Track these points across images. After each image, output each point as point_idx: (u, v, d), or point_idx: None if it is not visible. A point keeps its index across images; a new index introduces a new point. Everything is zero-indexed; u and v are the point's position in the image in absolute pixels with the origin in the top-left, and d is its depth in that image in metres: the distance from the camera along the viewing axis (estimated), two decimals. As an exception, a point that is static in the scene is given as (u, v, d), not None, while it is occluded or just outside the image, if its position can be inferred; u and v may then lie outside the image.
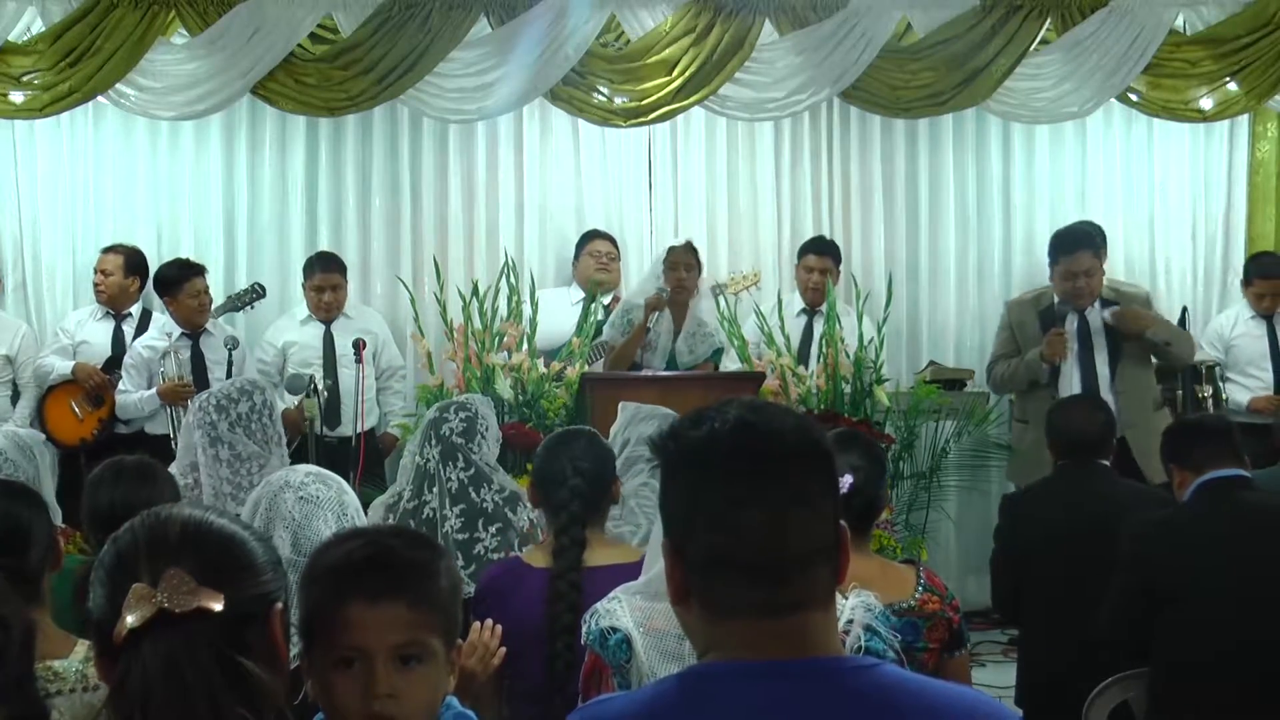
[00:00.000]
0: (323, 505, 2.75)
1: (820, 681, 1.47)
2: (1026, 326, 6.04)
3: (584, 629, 2.45)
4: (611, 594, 2.49)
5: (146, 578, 1.49)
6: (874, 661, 1.54)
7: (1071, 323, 5.92)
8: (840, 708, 1.46)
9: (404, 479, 4.08)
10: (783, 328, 6.16)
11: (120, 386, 6.31)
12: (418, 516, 3.97)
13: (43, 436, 4.12)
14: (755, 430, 1.52)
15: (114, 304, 6.61)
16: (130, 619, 1.46)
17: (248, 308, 6.75)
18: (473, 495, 3.96)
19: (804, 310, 6.73)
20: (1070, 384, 5.88)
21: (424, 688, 1.84)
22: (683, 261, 6.16)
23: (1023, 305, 6.19)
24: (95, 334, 6.60)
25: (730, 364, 6.37)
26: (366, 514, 4.15)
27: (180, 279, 6.31)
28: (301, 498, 2.75)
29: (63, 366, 6.46)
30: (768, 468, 1.50)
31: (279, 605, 1.57)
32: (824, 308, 6.51)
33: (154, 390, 6.20)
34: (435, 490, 3.98)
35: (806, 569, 1.49)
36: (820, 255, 6.81)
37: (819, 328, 6.41)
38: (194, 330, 6.36)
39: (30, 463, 3.82)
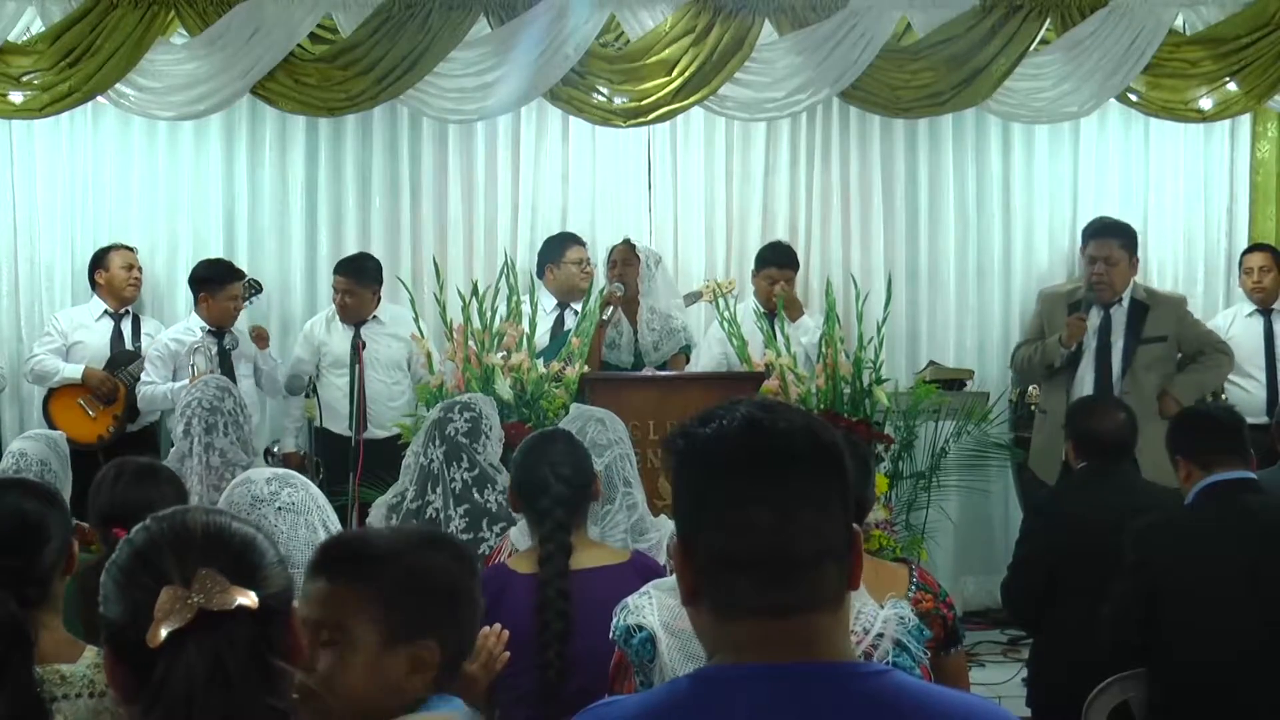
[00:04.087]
0: (302, 511, 2.74)
1: (827, 685, 1.46)
2: (1055, 316, 6.07)
3: (613, 623, 2.45)
4: (643, 589, 2.48)
5: (176, 579, 1.49)
6: (883, 668, 1.52)
7: (1095, 317, 5.95)
8: (846, 712, 1.45)
9: (406, 478, 4.08)
10: (739, 332, 6.18)
11: (144, 378, 6.36)
12: (421, 516, 3.97)
13: (64, 435, 4.13)
14: (762, 429, 1.50)
15: (130, 302, 6.65)
16: (169, 623, 1.45)
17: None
18: (476, 496, 3.95)
19: (763, 315, 6.62)
20: (1084, 378, 5.94)
21: (343, 671, 1.84)
22: (620, 258, 6.38)
23: (1054, 296, 6.24)
24: (93, 335, 6.62)
25: (701, 361, 6.49)
26: (369, 514, 4.17)
27: (224, 279, 6.41)
28: (279, 508, 2.73)
29: (70, 371, 6.51)
30: (773, 467, 1.49)
31: (295, 602, 1.60)
32: (778, 313, 6.55)
33: (185, 382, 6.24)
34: (439, 490, 3.98)
35: (812, 570, 1.48)
36: (781, 268, 6.68)
37: (780, 331, 6.40)
38: (220, 330, 6.42)
39: (64, 468, 3.84)
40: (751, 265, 6.99)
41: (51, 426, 6.36)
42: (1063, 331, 5.91)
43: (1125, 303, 6.00)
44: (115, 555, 1.56)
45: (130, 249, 6.79)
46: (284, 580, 1.58)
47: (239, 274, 6.52)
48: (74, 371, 6.51)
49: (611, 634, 2.45)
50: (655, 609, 2.40)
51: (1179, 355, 6.02)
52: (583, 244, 6.87)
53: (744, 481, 1.48)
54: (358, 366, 6.05)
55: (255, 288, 6.78)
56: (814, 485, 1.49)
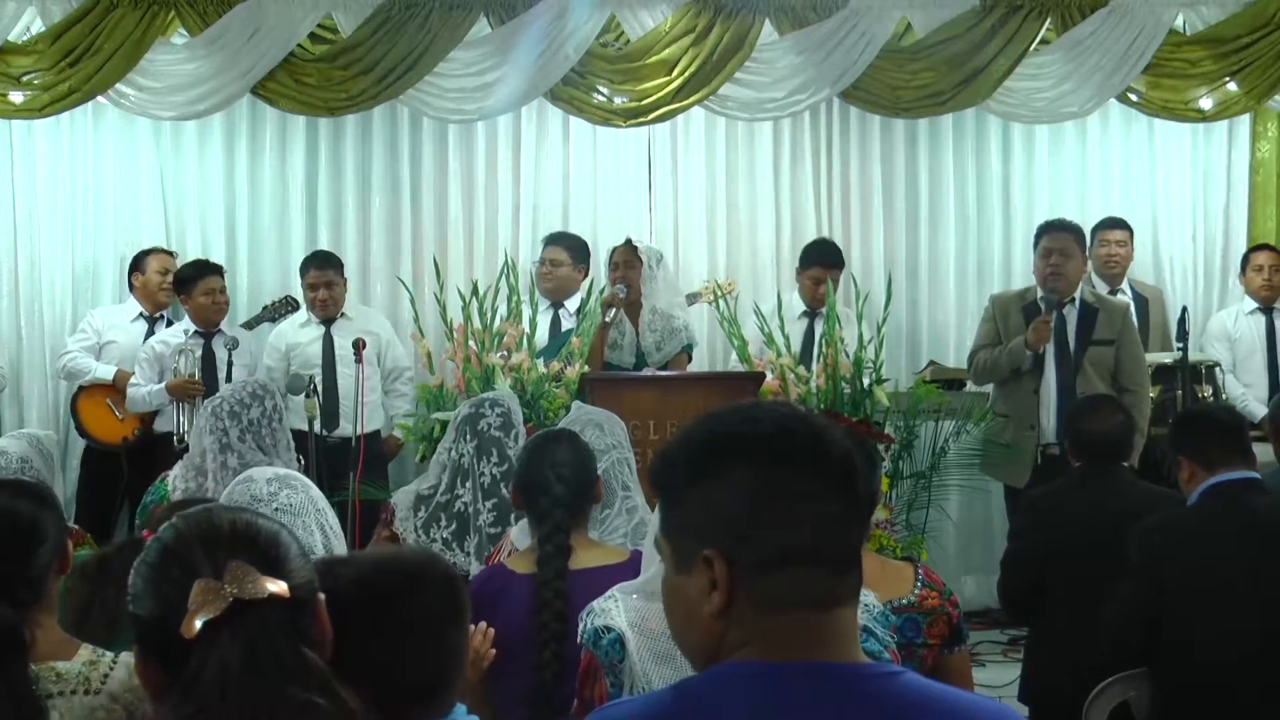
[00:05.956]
0: (299, 513, 2.74)
1: (835, 686, 1.47)
2: (1010, 319, 6.17)
3: (580, 627, 2.44)
4: (608, 592, 2.47)
5: (208, 572, 1.50)
6: (894, 669, 1.53)
7: (1051, 319, 6.01)
8: (855, 713, 1.45)
9: (436, 471, 4.09)
10: (782, 328, 6.15)
11: (133, 380, 6.40)
12: (449, 510, 4.00)
13: (55, 436, 4.11)
14: (813, 428, 1.53)
15: (165, 306, 6.71)
16: (203, 614, 1.46)
17: (284, 319, 6.75)
18: (503, 491, 3.95)
19: (805, 312, 6.70)
20: (1049, 381, 6.05)
21: None
22: (623, 260, 6.34)
23: (1007, 299, 6.34)
24: (127, 335, 6.64)
25: (703, 361, 6.51)
26: (395, 499, 4.18)
27: (195, 277, 6.41)
28: (276, 509, 2.72)
29: (102, 371, 6.55)
30: (829, 464, 1.51)
31: (321, 594, 1.60)
32: (824, 309, 6.53)
33: (163, 385, 6.25)
34: (469, 484, 3.99)
35: (858, 566, 1.53)
36: (827, 268, 6.58)
37: (820, 329, 6.40)
38: (208, 329, 6.43)
39: (49, 467, 3.81)
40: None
41: (79, 424, 6.57)
42: (1028, 334, 5.99)
43: (1077, 304, 6.11)
44: (144, 554, 1.57)
45: (170, 253, 6.82)
46: (309, 572, 1.59)
47: (213, 268, 6.51)
48: (106, 372, 6.55)
49: (580, 637, 2.43)
50: (622, 610, 2.39)
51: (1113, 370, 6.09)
52: (556, 244, 6.74)
53: (804, 478, 1.49)
54: (359, 366, 6.02)
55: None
56: (855, 483, 1.53)
